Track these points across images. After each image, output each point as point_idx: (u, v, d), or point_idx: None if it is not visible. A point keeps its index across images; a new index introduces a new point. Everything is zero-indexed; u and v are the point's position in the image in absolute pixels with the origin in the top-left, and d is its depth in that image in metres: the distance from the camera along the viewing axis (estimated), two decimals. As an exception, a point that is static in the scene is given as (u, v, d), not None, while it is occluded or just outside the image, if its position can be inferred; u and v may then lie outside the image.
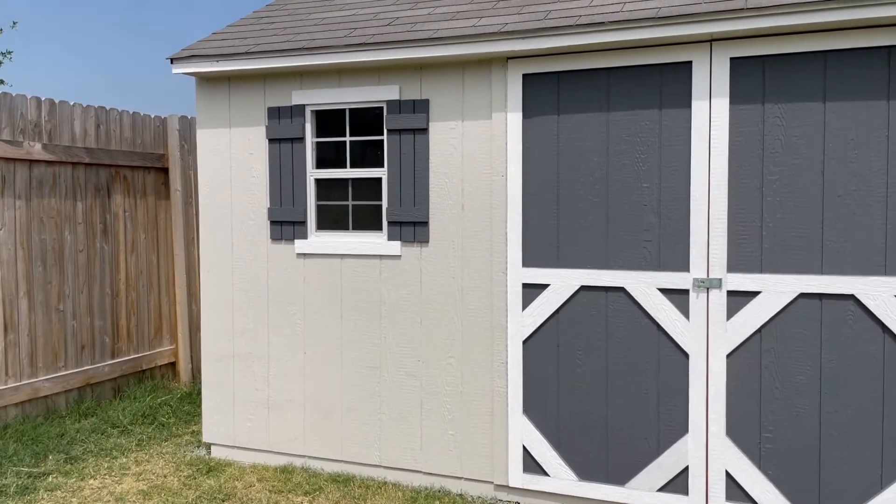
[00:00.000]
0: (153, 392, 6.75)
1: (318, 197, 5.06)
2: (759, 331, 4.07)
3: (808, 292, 3.95)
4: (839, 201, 3.88)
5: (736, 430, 4.13)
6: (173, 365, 7.16)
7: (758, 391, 4.09)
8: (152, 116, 6.89)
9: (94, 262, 6.40)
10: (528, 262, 4.51)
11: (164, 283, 7.05)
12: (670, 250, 4.20)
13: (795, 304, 3.99)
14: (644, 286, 4.25)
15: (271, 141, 5.09)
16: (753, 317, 4.06)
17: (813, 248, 3.93)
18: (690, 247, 4.15)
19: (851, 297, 3.88)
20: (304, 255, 5.07)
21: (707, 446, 4.18)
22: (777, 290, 4.00)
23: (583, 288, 4.41)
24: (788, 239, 3.98)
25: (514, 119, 4.48)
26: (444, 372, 4.73)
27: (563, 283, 4.42)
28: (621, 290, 4.33)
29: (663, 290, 4.23)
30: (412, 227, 4.74)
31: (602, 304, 4.37)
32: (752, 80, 4.03)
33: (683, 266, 4.18)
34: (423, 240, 4.72)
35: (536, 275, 4.48)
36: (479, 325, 4.62)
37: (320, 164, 5.05)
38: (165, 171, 7.04)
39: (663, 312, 4.22)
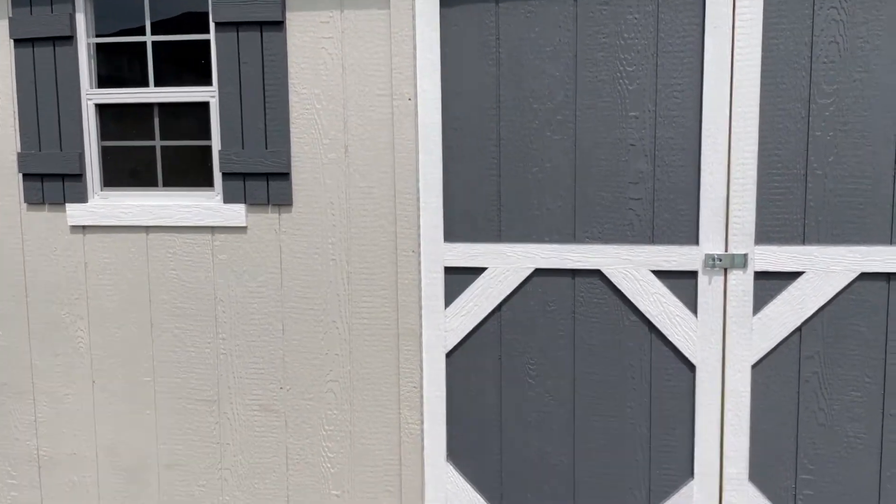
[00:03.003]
0: None
1: (105, 135, 3.14)
2: (798, 329, 2.76)
3: (871, 271, 2.68)
4: (921, 137, 2.60)
5: (763, 473, 2.83)
6: None
7: (794, 415, 2.80)
8: None
9: None
10: (453, 234, 2.91)
11: None
12: (670, 213, 2.77)
13: (853, 288, 2.71)
14: (630, 267, 2.80)
15: (19, 42, 3.07)
16: (792, 309, 2.73)
17: (879, 207, 2.65)
18: (700, 208, 2.74)
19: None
20: (84, 227, 3.14)
21: (721, 498, 2.86)
22: (826, 270, 2.69)
23: (538, 272, 2.89)
24: (844, 194, 2.66)
25: (428, 6, 2.81)
26: (323, 404, 3.07)
27: (507, 265, 2.87)
28: (596, 273, 2.85)
29: (659, 273, 2.81)
30: (264, 182, 2.97)
31: (567, 296, 2.88)
32: (800, -50, 2.62)
33: (689, 237, 2.77)
34: (283, 201, 2.97)
35: (466, 254, 2.89)
36: (378, 332, 2.99)
37: (106, 81, 3.11)
38: None
39: (659, 305, 2.80)
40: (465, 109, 2.87)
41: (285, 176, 2.97)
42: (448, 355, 3.00)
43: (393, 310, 2.98)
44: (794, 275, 2.75)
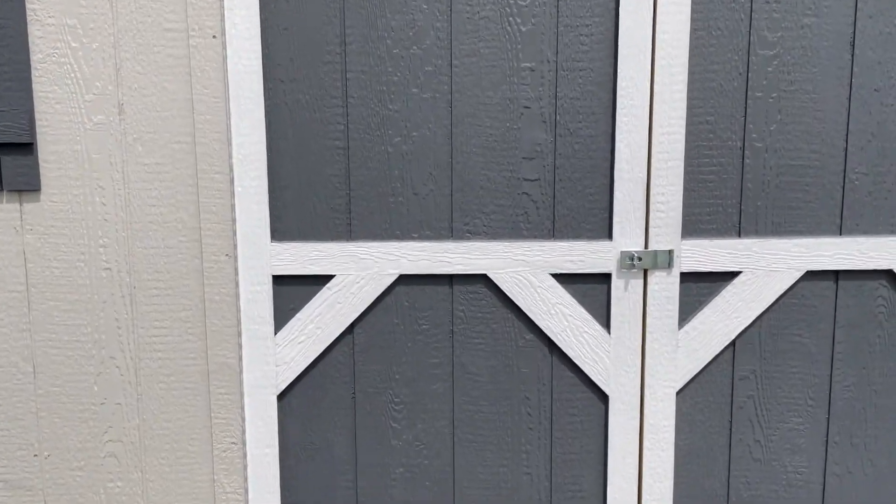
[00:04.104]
0: None
1: None
2: (732, 343, 2.17)
3: (818, 269, 2.13)
4: (876, 100, 2.07)
5: (689, 523, 2.25)
6: None
7: (726, 451, 2.23)
8: None
9: None
10: (283, 231, 2.07)
11: None
12: (576, 199, 2.08)
13: (796, 290, 2.15)
14: (525, 271, 2.09)
15: None
16: (726, 318, 2.14)
17: (828, 189, 2.10)
18: (615, 191, 2.07)
19: (888, 272, 2.14)
20: None
21: (640, 557, 2.25)
22: (767, 268, 2.11)
23: (404, 279, 2.11)
24: (788, 172, 2.09)
25: None
26: (101, 473, 2.14)
27: (361, 271, 2.07)
28: (481, 279, 2.12)
29: (562, 278, 2.12)
30: (-4, 157, 1.99)
31: (443, 310, 2.13)
32: None
33: (600, 229, 2.10)
34: (26, 185, 2.00)
35: (304, 257, 2.06)
36: (179, 370, 2.10)
37: None
38: None
39: (562, 319, 2.12)
40: (296, 54, 2.02)
41: (26, 148, 1.99)
42: (281, 397, 2.17)
43: (199, 338, 2.09)
44: (729, 276, 2.15)
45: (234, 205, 2.05)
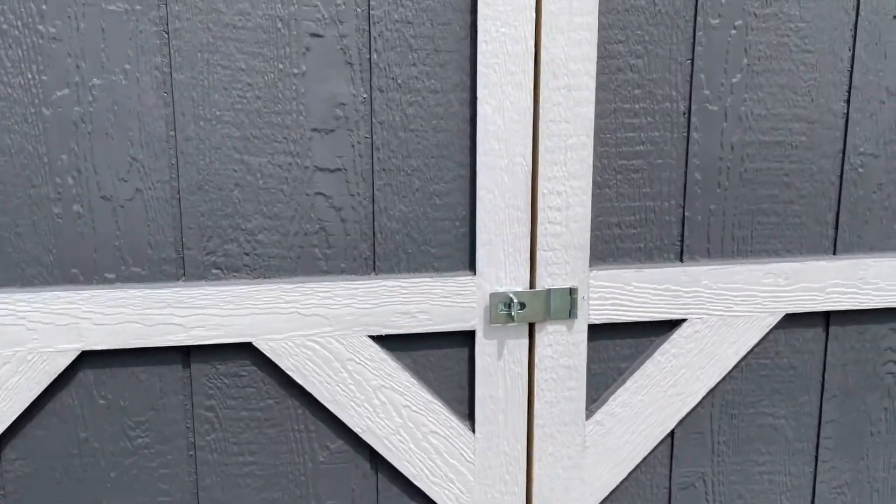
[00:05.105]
0: None
1: None
2: (671, 434, 1.31)
3: (802, 311, 1.29)
4: None
5: None
6: None
7: None
8: None
9: None
10: None
11: None
12: (411, 204, 1.14)
13: (767, 345, 1.31)
14: (325, 333, 1.13)
15: None
16: (661, 396, 1.28)
17: (818, 182, 1.30)
18: (478, 191, 1.13)
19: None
20: None
21: None
22: (725, 313, 1.26)
23: (90, 359, 1.10)
24: (760, 156, 1.24)
25: None
26: None
27: (1, 349, 1.04)
28: (243, 350, 1.14)
29: (390, 341, 1.18)
30: None
31: (174, 408, 1.14)
32: None
33: (454, 257, 1.17)
34: None
35: None
36: None
37: None
38: None
39: (392, 412, 1.18)
40: None
41: None
42: None
43: None
44: (666, 326, 1.29)
45: None
